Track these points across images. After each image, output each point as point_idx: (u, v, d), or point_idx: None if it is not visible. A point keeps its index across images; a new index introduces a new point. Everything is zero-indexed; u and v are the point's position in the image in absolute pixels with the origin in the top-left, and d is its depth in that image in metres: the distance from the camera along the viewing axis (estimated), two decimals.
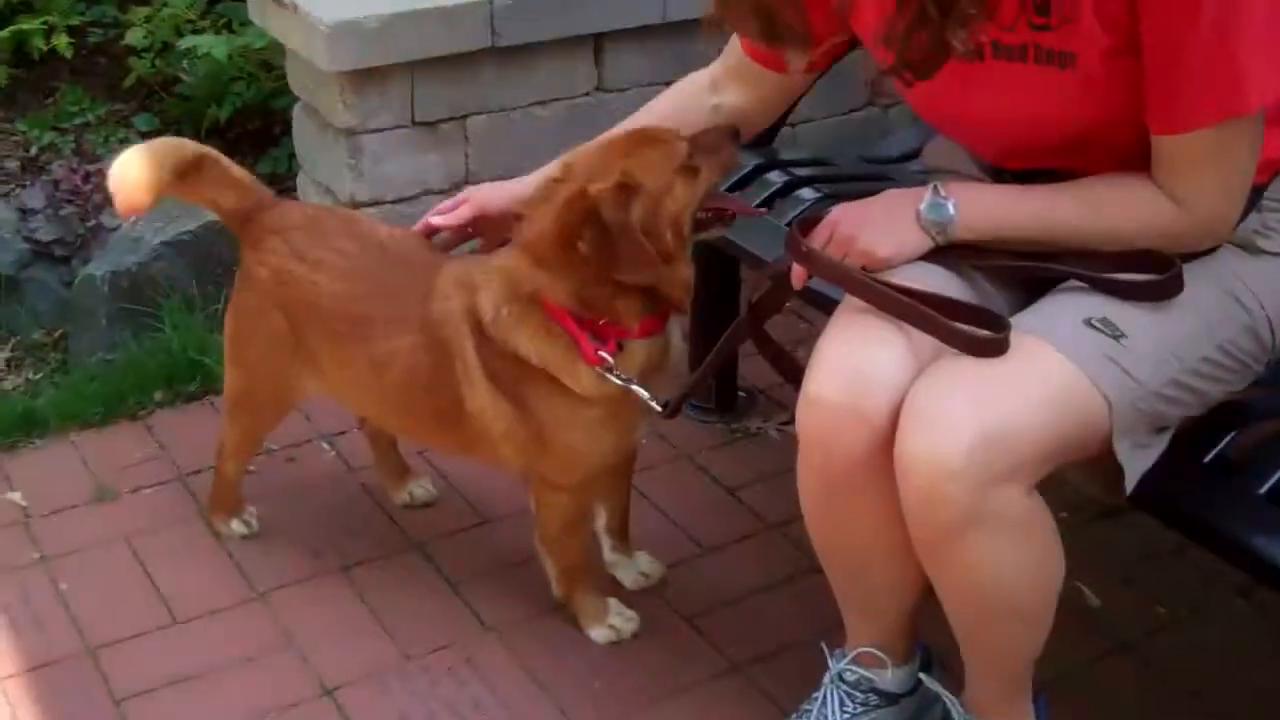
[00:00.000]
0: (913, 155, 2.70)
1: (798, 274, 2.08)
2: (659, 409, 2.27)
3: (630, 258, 2.15)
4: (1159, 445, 1.93)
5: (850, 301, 1.99)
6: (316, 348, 2.51)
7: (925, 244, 2.00)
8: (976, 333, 1.86)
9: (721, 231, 2.32)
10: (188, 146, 2.52)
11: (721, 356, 2.33)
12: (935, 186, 1.98)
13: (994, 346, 1.86)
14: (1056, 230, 1.96)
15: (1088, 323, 1.87)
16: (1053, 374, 1.83)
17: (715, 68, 2.35)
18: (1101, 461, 1.88)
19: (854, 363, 1.91)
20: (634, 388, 2.25)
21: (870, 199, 2.06)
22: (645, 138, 2.25)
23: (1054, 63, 1.89)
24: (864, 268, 1.98)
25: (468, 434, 2.39)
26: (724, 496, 2.99)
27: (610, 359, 2.24)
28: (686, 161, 2.19)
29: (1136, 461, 1.88)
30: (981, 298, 1.97)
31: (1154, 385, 1.88)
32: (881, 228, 2.00)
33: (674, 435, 3.10)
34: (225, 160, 2.56)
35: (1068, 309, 1.92)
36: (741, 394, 3.28)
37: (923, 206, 1.98)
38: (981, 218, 1.98)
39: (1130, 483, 1.89)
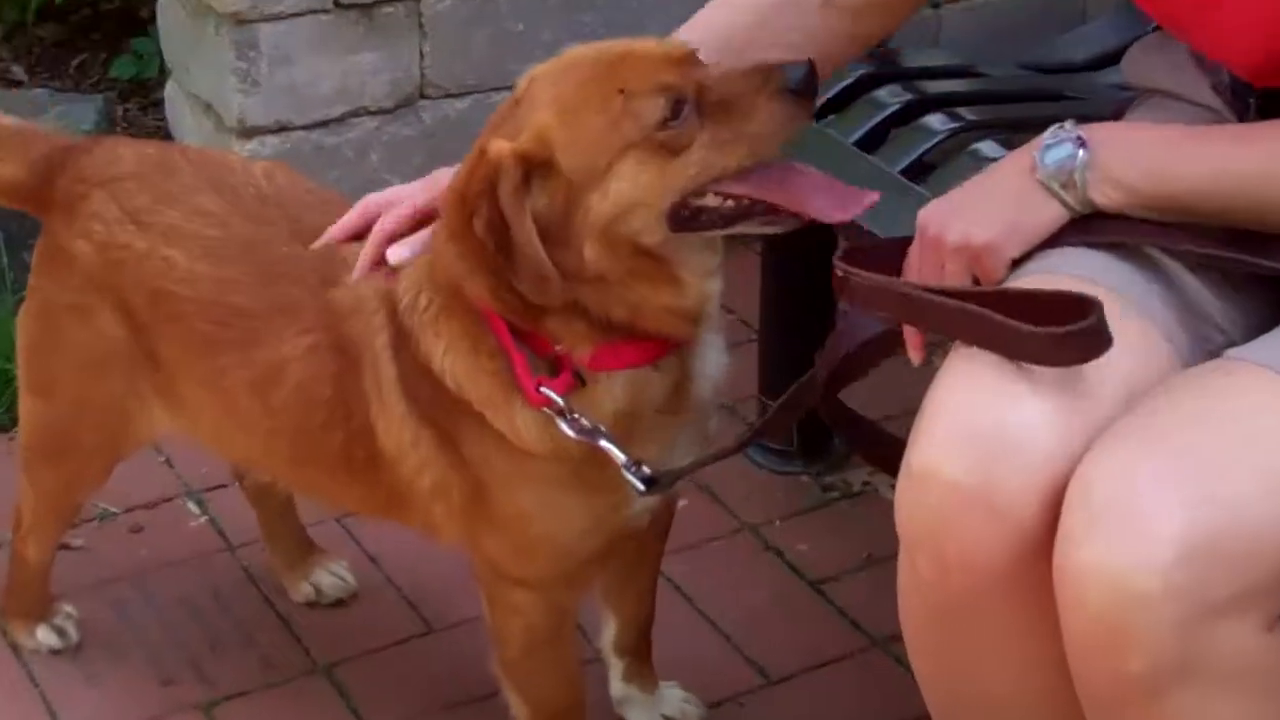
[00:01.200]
0: (1108, 60, 2.72)
1: (911, 340, 2.10)
2: (638, 485, 2.23)
3: (524, 266, 2.09)
4: None
5: None
6: (169, 360, 2.49)
7: (1051, 211, 2.01)
8: (1040, 331, 1.87)
9: (758, 230, 2.20)
10: None
11: (786, 414, 2.34)
12: (1060, 124, 2.01)
13: (1079, 343, 1.86)
14: (1264, 191, 1.95)
15: None
16: None
17: None
18: None
19: (986, 423, 1.89)
20: (603, 444, 2.21)
21: (977, 177, 2.07)
22: (614, 64, 2.13)
23: None
24: (977, 280, 2.02)
25: (386, 487, 2.39)
26: (805, 593, 2.95)
27: (557, 398, 2.18)
28: (660, 130, 2.07)
29: None
30: (1185, 305, 2.01)
31: None
32: (979, 206, 2.03)
33: (729, 493, 3.08)
34: None
35: None
36: None
37: (1037, 151, 2.00)
38: (1130, 163, 1.98)
39: None
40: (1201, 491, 1.77)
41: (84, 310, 2.51)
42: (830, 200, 2.14)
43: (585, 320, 2.16)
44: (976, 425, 1.89)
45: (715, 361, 2.30)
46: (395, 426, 2.32)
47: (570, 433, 2.18)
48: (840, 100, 2.75)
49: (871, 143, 2.71)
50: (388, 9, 3.36)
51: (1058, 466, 1.84)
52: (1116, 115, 2.23)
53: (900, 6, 2.36)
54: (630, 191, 2.09)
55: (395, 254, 2.31)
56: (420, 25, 3.39)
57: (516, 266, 2.10)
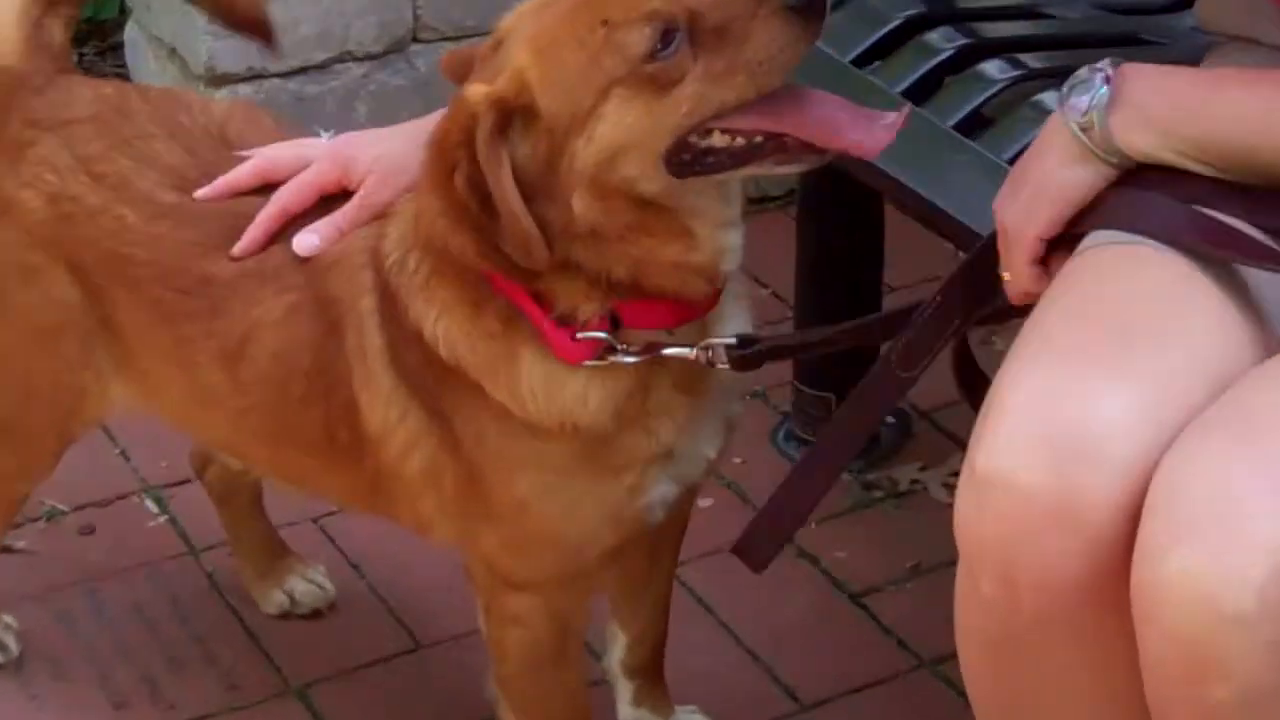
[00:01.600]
0: (1186, 1, 2.68)
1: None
2: (724, 361, 2.26)
3: (506, 225, 2.11)
4: None
5: (1056, 296, 2.00)
6: (128, 328, 2.49)
7: (1082, 172, 2.02)
8: None
9: (773, 171, 2.21)
10: None
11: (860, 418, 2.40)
12: (1096, 64, 2.02)
13: None
14: None
15: None
16: None
17: None
18: None
19: (1062, 420, 1.87)
20: (671, 350, 2.24)
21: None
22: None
23: None
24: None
25: (371, 473, 2.39)
26: (844, 607, 2.95)
27: (602, 335, 2.20)
28: (647, 62, 2.07)
29: None
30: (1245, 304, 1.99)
31: None
32: (1013, 183, 2.05)
33: (758, 492, 3.04)
34: None
35: None
36: (888, 420, 3.23)
37: (1067, 94, 2.01)
38: (1164, 101, 1.99)
39: None
40: None
41: (30, 270, 2.50)
42: (855, 128, 2.13)
43: (585, 279, 2.18)
44: (1051, 423, 1.87)
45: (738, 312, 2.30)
46: (381, 401, 2.33)
47: (630, 359, 2.19)
48: (886, 45, 2.73)
49: (922, 93, 2.67)
50: None
51: (1145, 468, 1.83)
52: (1196, 62, 2.23)
53: None
54: (617, 134, 2.09)
55: (303, 243, 2.36)
56: None
57: (500, 225, 2.12)
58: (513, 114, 2.10)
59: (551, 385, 2.22)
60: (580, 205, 2.11)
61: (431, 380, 2.29)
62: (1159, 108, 1.99)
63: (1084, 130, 1.99)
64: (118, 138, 2.48)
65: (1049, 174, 2.02)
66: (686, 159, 2.11)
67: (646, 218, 2.14)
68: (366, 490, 2.42)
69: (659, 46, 2.06)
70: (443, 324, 2.25)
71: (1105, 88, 1.98)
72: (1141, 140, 1.98)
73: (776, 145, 2.15)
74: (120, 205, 2.44)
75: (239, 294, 2.40)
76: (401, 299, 2.28)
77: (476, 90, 2.10)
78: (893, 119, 2.15)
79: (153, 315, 2.46)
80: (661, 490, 2.32)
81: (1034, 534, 1.86)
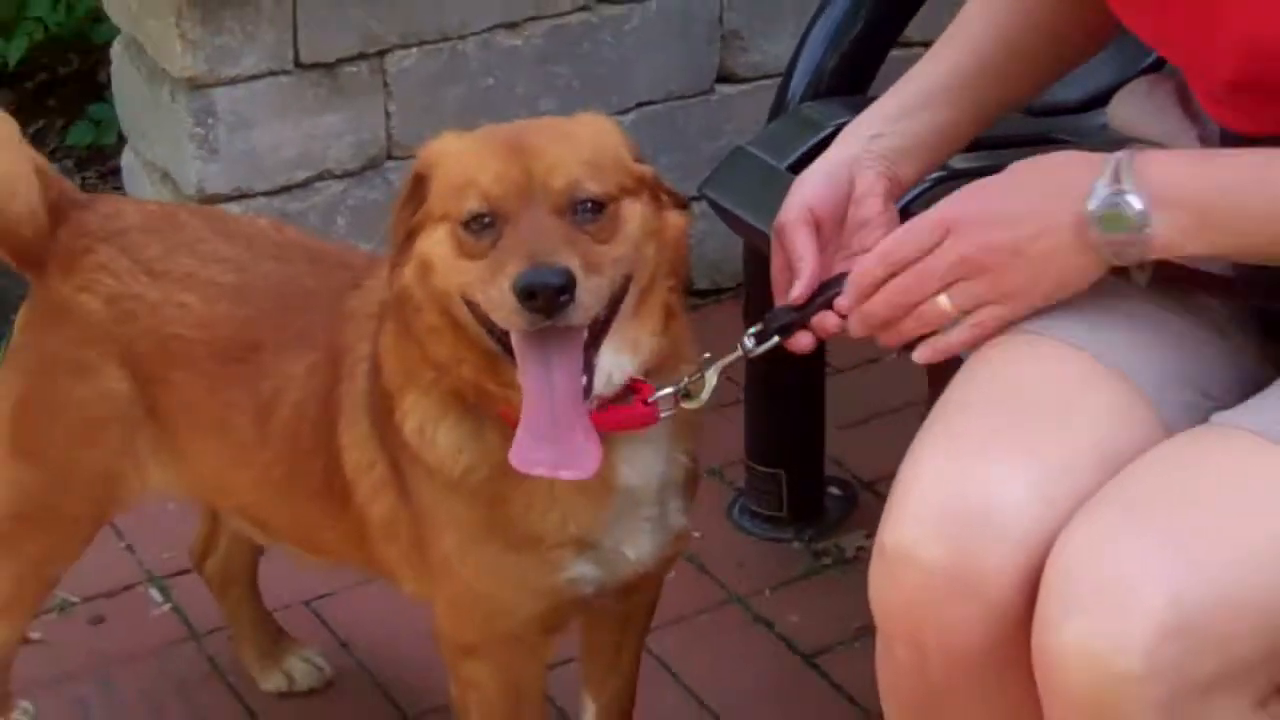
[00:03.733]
0: (1099, 101, 2.64)
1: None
2: (748, 342, 2.21)
3: None
4: None
5: (963, 381, 1.99)
6: (172, 409, 2.48)
7: (1093, 275, 1.95)
8: None
9: None
10: None
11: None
12: (1118, 160, 1.91)
13: None
14: None
15: None
16: None
17: None
18: None
19: (962, 499, 1.86)
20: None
21: (996, 178, 2.01)
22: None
23: None
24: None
25: (352, 522, 2.39)
26: (797, 668, 2.91)
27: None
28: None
29: None
30: (1177, 366, 1.98)
31: None
32: (1006, 247, 1.96)
33: (716, 563, 3.06)
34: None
35: None
36: (832, 490, 3.22)
37: (1092, 205, 1.91)
38: (1171, 166, 1.91)
39: None
40: (1184, 566, 1.75)
41: (84, 367, 2.48)
42: (531, 432, 2.07)
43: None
44: (952, 502, 1.87)
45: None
46: (357, 445, 2.33)
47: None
48: (818, 151, 2.65)
49: None
50: (350, 68, 3.35)
51: (1038, 542, 1.82)
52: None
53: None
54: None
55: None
56: (385, 84, 3.39)
57: None
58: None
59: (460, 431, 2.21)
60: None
61: (391, 432, 2.27)
62: (1179, 173, 1.91)
63: (1120, 254, 1.90)
64: (174, 241, 2.48)
65: (1067, 280, 1.94)
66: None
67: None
68: (356, 540, 2.40)
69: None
70: (412, 419, 2.24)
71: (1141, 204, 1.88)
72: (1179, 243, 1.89)
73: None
74: (183, 294, 2.44)
75: (280, 354, 2.40)
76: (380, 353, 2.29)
77: None
78: (578, 468, 2.07)
79: (202, 388, 2.43)
80: (581, 571, 2.27)
81: (937, 603, 1.85)
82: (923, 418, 1.96)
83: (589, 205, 2.07)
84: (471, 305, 2.08)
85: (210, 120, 3.26)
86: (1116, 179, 1.89)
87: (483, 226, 2.05)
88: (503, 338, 2.08)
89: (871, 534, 2.99)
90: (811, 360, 2.93)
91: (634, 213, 2.11)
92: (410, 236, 2.14)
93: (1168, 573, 1.74)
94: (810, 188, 2.20)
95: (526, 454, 2.06)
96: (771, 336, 2.18)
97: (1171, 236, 1.88)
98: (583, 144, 2.12)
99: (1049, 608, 1.78)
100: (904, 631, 1.91)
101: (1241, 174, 1.92)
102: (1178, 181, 1.90)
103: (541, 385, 2.06)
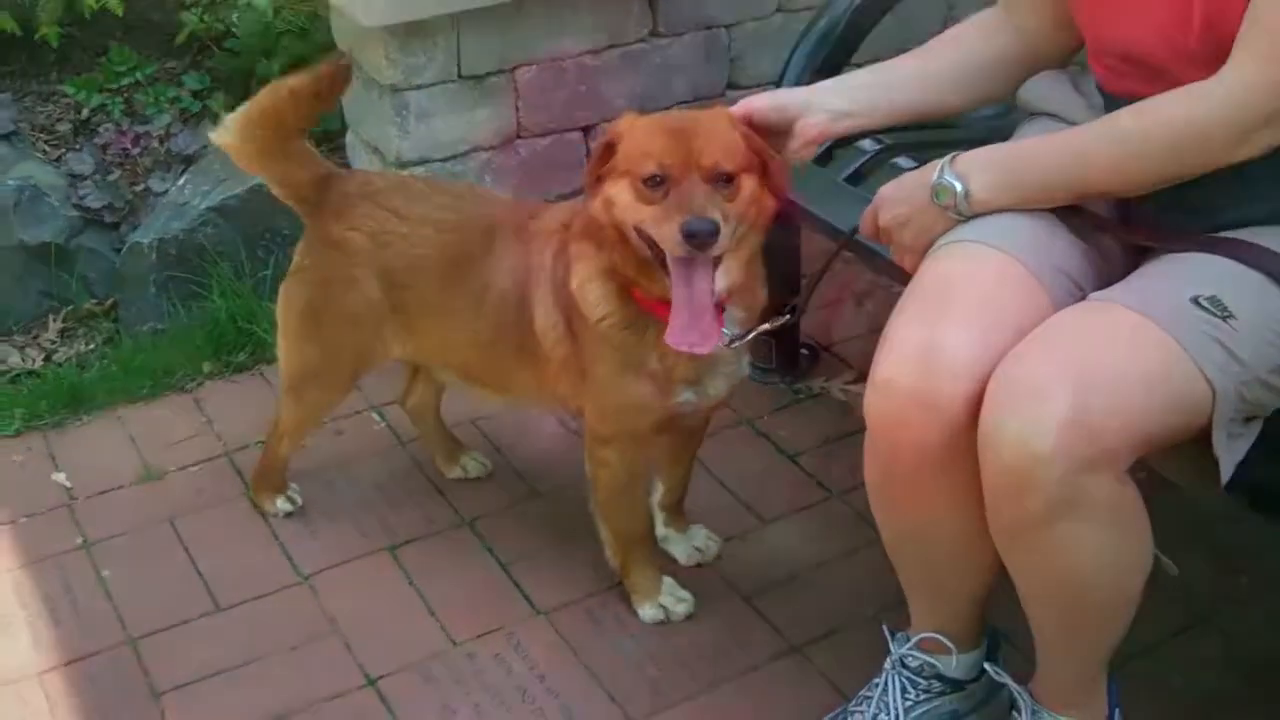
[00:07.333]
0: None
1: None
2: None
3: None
4: (1250, 434, 1.84)
5: (923, 276, 1.95)
6: (411, 305, 2.49)
7: (948, 224, 1.97)
8: None
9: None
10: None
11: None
12: (943, 160, 1.94)
13: None
14: (1086, 169, 1.88)
15: (1195, 301, 1.80)
16: (1155, 355, 1.77)
17: None
18: (1187, 446, 1.82)
19: (925, 345, 1.85)
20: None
21: (906, 175, 2.02)
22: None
23: None
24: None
25: (539, 366, 2.38)
26: (785, 464, 2.91)
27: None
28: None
29: (1232, 452, 1.81)
30: (1061, 263, 1.93)
31: (1261, 371, 1.81)
32: (906, 216, 1.99)
33: (733, 398, 2.87)
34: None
35: (1173, 284, 1.85)
36: (804, 351, 3.17)
37: (932, 180, 1.95)
38: (996, 171, 1.92)
39: (1226, 474, 1.81)
40: (1080, 382, 1.74)
41: (352, 280, 2.50)
42: (680, 323, 2.09)
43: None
44: (920, 350, 1.86)
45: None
46: (544, 313, 2.33)
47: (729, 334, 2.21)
48: (865, 168, 2.63)
49: (823, 159, 2.63)
50: (493, 79, 3.28)
51: (977, 375, 1.82)
52: (988, 137, 2.14)
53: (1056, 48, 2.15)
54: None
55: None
56: (515, 89, 3.32)
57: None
58: None
59: (606, 298, 2.24)
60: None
61: (566, 298, 2.30)
62: (998, 178, 1.92)
63: (956, 209, 1.93)
64: (410, 195, 2.50)
65: (934, 228, 1.96)
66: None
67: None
68: (535, 380, 2.40)
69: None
70: (575, 279, 2.27)
71: (960, 183, 1.92)
72: (990, 198, 1.92)
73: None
74: (421, 228, 2.46)
75: (487, 261, 2.40)
76: (566, 259, 2.29)
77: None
78: (703, 343, 2.09)
79: (435, 287, 2.45)
80: (685, 397, 2.31)
81: (906, 416, 1.87)
82: (891, 302, 1.94)
83: (724, 177, 2.08)
84: (641, 233, 2.11)
85: (404, 112, 3.20)
86: (941, 171, 1.94)
87: (656, 184, 2.07)
88: (660, 256, 2.10)
89: (829, 379, 3.12)
90: (790, 267, 2.94)
91: (750, 184, 2.11)
92: (599, 181, 2.15)
93: (1070, 386, 1.74)
94: (762, 103, 2.14)
95: (678, 336, 2.10)
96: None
97: (980, 194, 1.92)
98: (721, 133, 2.10)
99: (991, 409, 1.78)
100: (885, 433, 1.91)
101: (1022, 150, 1.96)
102: (978, 161, 1.93)
103: (688, 291, 2.09)
